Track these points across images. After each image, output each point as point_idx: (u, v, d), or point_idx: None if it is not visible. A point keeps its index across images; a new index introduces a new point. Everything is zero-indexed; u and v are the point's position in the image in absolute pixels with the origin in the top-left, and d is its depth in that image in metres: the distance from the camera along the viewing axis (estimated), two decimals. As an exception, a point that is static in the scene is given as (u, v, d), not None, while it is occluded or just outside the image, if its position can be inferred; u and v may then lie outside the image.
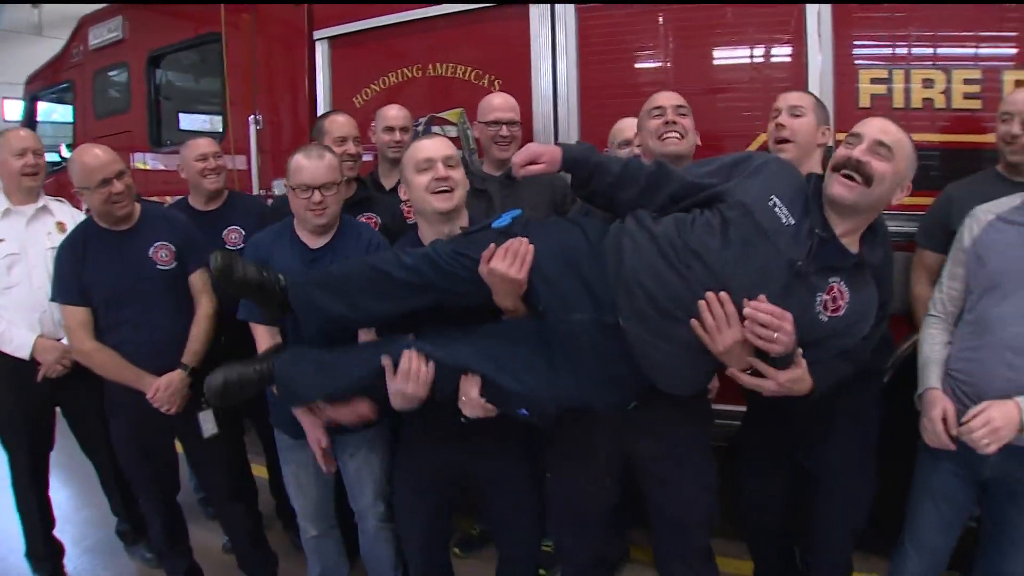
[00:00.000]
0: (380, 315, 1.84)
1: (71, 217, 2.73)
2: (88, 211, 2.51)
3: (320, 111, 3.34)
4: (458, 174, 1.92)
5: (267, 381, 1.91)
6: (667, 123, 2.05)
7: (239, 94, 3.64)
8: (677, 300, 1.55)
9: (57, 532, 2.89)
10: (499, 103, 2.66)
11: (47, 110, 5.69)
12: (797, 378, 1.55)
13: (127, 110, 4.40)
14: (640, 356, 1.61)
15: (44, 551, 2.85)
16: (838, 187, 1.54)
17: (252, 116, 3.54)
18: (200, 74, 4.43)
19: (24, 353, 2.53)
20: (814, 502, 2.07)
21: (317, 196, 2.03)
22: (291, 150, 3.08)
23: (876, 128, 1.57)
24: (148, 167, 4.28)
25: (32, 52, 8.42)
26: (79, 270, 2.30)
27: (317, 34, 3.35)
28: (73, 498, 3.47)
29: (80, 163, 2.29)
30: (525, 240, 1.68)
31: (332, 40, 3.33)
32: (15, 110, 8.03)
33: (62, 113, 5.66)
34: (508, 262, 1.66)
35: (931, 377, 1.82)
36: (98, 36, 4.48)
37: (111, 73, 4.55)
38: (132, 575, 3.00)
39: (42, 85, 5.40)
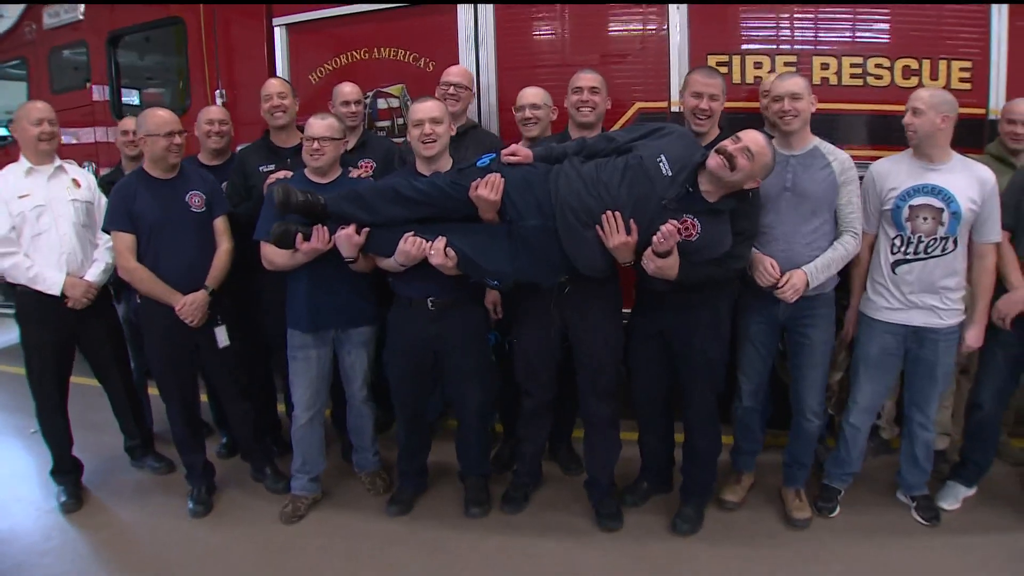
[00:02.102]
0: (393, 221, 2.61)
1: (82, 175, 3.27)
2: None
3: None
4: (441, 128, 2.70)
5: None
6: (583, 101, 2.94)
7: (203, 73, 4.15)
8: (589, 214, 2.42)
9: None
10: (454, 70, 3.38)
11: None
12: (668, 266, 2.40)
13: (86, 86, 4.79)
14: (567, 248, 2.48)
15: (69, 466, 3.33)
16: (711, 161, 2.38)
17: (218, 91, 4.07)
18: (156, 53, 4.85)
19: (56, 290, 3.03)
20: (683, 372, 2.84)
21: (316, 144, 2.79)
22: (253, 121, 3.72)
23: (749, 139, 2.36)
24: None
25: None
26: (130, 204, 2.89)
27: (276, 21, 3.92)
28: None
29: (153, 117, 2.90)
30: (498, 175, 2.50)
31: (289, 26, 3.92)
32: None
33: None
34: (488, 189, 2.47)
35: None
36: (54, 16, 4.79)
37: (67, 51, 4.87)
38: (141, 482, 3.50)
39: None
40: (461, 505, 3.12)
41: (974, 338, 2.74)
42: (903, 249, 2.68)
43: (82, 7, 4.59)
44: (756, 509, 3.09)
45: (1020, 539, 2.82)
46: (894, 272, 2.70)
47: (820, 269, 2.62)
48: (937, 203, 2.60)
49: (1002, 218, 2.68)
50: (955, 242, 2.63)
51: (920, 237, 2.64)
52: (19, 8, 5.14)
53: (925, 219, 2.61)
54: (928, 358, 2.75)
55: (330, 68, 3.88)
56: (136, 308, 3.46)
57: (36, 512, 3.26)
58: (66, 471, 3.33)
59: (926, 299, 2.68)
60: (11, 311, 4.71)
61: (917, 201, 2.62)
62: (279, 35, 3.94)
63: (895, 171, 2.69)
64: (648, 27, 3.41)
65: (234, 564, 2.84)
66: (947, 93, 2.65)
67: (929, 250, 2.64)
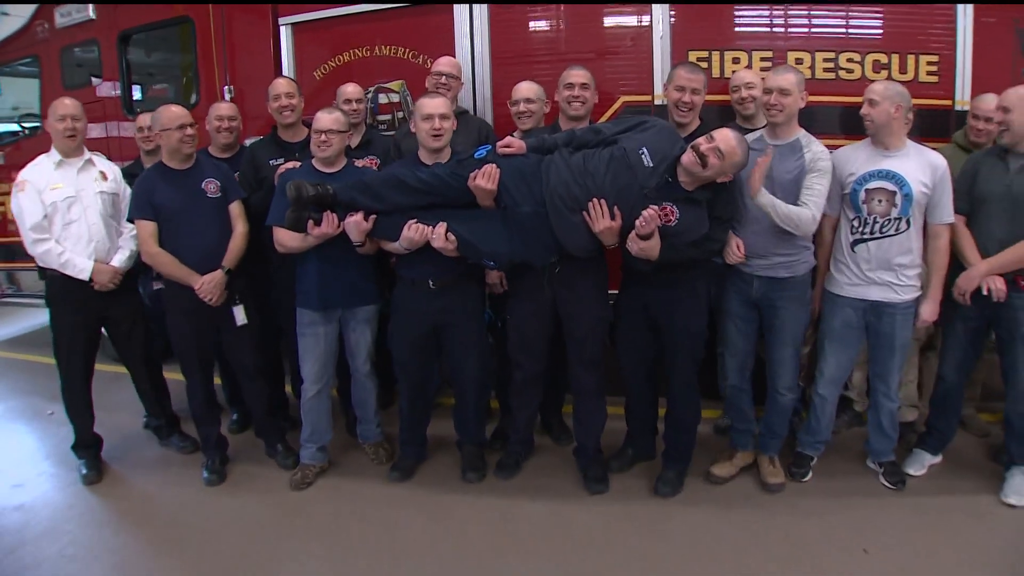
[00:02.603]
0: (398, 208, 2.82)
1: (110, 168, 3.48)
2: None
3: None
4: (448, 123, 2.93)
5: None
6: (573, 96, 3.17)
7: (212, 70, 4.35)
8: (576, 201, 2.66)
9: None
10: (443, 61, 3.60)
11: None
12: (650, 247, 2.63)
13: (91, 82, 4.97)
14: (557, 232, 2.71)
15: (90, 441, 3.54)
16: (686, 157, 2.63)
17: (226, 87, 4.28)
18: (165, 51, 5.03)
19: (85, 276, 3.24)
20: (666, 343, 3.04)
21: (323, 137, 3.00)
22: (260, 116, 3.92)
23: (721, 138, 2.59)
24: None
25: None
26: (151, 195, 3.12)
27: (282, 20, 4.13)
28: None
29: (166, 112, 3.11)
30: (494, 165, 2.72)
31: (295, 25, 4.13)
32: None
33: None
34: (485, 179, 2.71)
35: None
36: (65, 15, 4.97)
37: (79, 49, 5.05)
38: (157, 457, 3.71)
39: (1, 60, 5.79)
40: (458, 472, 3.34)
41: (928, 312, 2.96)
42: (860, 229, 2.90)
43: (91, 6, 4.77)
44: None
45: (980, 501, 3.04)
46: (853, 250, 2.92)
47: (772, 204, 2.73)
48: (890, 186, 2.81)
49: (956, 203, 2.90)
50: (908, 222, 2.84)
51: (875, 218, 2.85)
52: (30, 8, 5.31)
53: (880, 201, 2.83)
54: (886, 331, 2.96)
55: (334, 65, 4.09)
56: (152, 294, 3.68)
57: (59, 484, 3.47)
58: (87, 445, 3.53)
59: (883, 275, 2.89)
60: (22, 300, 4.96)
61: (872, 185, 2.84)
62: (285, 33, 4.15)
63: (854, 158, 2.90)
64: (633, 25, 3.62)
65: (247, 526, 3.05)
66: (900, 85, 2.87)
67: (884, 230, 2.85)
